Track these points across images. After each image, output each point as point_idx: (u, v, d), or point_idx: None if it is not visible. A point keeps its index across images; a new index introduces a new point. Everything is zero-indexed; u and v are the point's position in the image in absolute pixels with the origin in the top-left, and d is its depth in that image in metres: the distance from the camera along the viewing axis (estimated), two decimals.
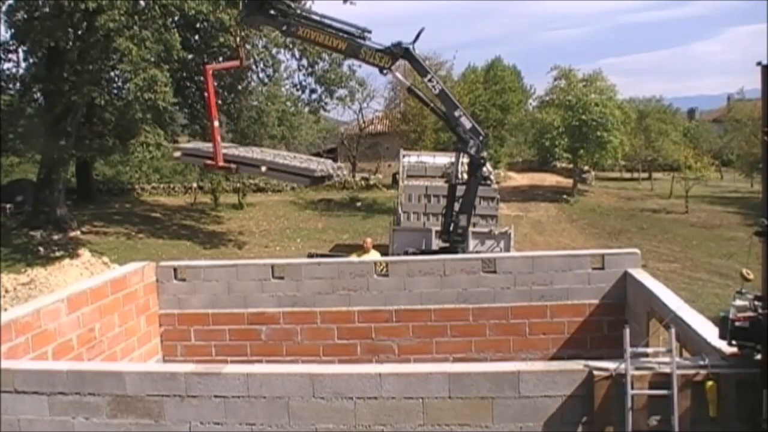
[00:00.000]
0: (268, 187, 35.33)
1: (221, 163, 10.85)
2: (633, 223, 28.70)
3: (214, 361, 8.83)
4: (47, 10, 20.26)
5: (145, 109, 19.52)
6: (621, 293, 8.48)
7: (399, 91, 38.94)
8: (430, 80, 11.18)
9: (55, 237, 21.63)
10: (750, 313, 4.71)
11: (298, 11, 11.09)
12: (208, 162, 10.98)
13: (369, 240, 13.31)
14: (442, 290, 8.85)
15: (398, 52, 10.86)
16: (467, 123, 11.36)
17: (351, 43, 10.74)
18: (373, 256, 12.43)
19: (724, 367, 4.81)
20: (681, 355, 5.61)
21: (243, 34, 12.08)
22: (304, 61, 24.21)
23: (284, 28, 10.77)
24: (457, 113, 11.28)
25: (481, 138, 11.52)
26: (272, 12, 10.84)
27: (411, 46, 10.96)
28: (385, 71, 11.12)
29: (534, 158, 45.08)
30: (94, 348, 7.72)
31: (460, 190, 12.12)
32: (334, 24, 10.84)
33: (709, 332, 5.46)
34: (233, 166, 10.89)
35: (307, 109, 26.39)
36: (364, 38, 10.82)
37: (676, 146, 39.03)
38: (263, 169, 10.81)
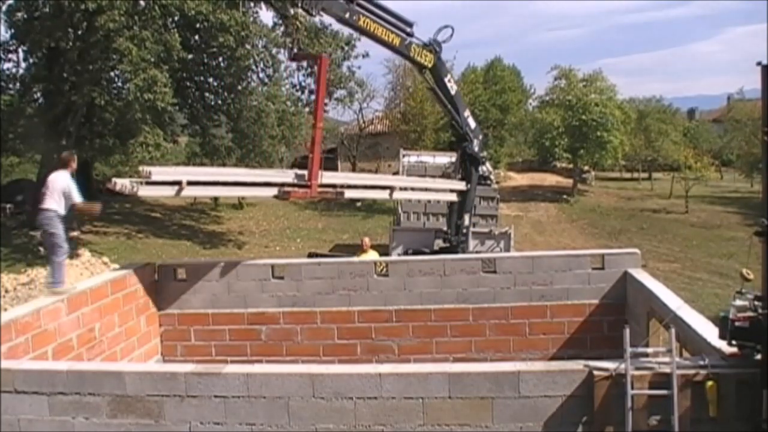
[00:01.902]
0: None
1: (318, 190, 8.51)
2: (633, 223, 28.70)
3: (214, 361, 8.83)
4: (47, 10, 20.25)
5: (145, 110, 19.50)
6: (621, 293, 8.49)
7: (399, 91, 38.95)
8: (449, 81, 11.26)
9: None
10: (750, 313, 4.72)
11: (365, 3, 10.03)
12: (287, 189, 8.44)
13: (367, 239, 13.29)
14: (442, 290, 8.86)
15: (439, 50, 10.86)
16: (473, 122, 11.64)
17: (403, 39, 10.43)
18: (372, 255, 12.43)
19: (724, 367, 4.81)
20: (681, 355, 5.61)
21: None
22: (304, 62, 24.18)
23: (347, 15, 9.76)
24: (466, 113, 11.52)
25: (481, 137, 11.79)
26: None
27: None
28: (425, 69, 11.01)
29: (534, 158, 45.08)
30: (94, 348, 7.72)
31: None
32: (387, 17, 10.25)
33: (709, 332, 5.47)
34: (336, 190, 8.89)
35: (306, 110, 26.37)
36: (411, 34, 10.57)
37: (676, 146, 39.03)
38: (397, 194, 9.87)
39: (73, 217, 23.26)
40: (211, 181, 8.26)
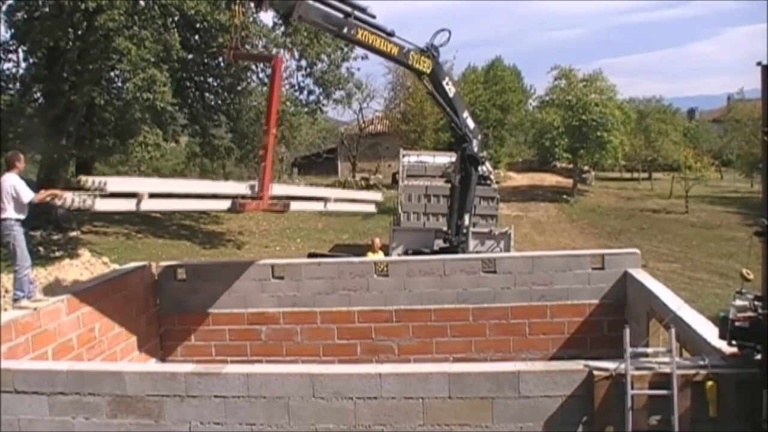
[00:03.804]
0: None
1: (268, 203, 8.24)
2: (633, 223, 28.69)
3: (214, 361, 8.83)
4: (47, 10, 20.23)
5: (145, 109, 19.50)
6: (621, 293, 8.50)
7: (399, 91, 38.97)
8: (447, 84, 11.21)
9: (55, 237, 21.61)
10: (750, 313, 4.72)
11: (356, 12, 9.69)
12: (241, 202, 8.08)
13: (378, 240, 13.53)
14: (442, 290, 8.86)
15: (437, 55, 10.78)
16: (472, 123, 11.63)
17: (402, 48, 10.29)
18: (379, 256, 12.51)
19: (724, 367, 4.81)
20: (681, 355, 5.62)
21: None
22: (303, 62, 24.19)
23: (344, 30, 9.41)
24: (464, 114, 11.50)
25: (480, 137, 11.79)
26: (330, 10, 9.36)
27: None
28: (424, 76, 10.92)
29: (534, 158, 45.10)
30: (94, 348, 7.72)
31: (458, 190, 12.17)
32: (379, 24, 9.98)
33: (709, 332, 5.47)
34: (283, 202, 8.62)
35: (306, 110, 26.37)
36: (393, 33, 10.40)
37: (676, 146, 39.02)
38: (330, 205, 9.92)
39: (71, 217, 23.31)
40: (169, 193, 7.82)
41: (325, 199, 9.94)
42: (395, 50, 10.20)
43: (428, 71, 10.74)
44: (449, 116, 11.51)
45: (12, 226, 6.93)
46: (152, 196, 7.35)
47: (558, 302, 8.66)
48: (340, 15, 9.42)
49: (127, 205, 7.16)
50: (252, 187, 8.29)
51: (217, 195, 8.34)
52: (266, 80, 25.18)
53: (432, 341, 8.84)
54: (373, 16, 9.95)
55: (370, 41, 9.85)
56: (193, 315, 9.18)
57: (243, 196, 8.19)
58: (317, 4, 9.22)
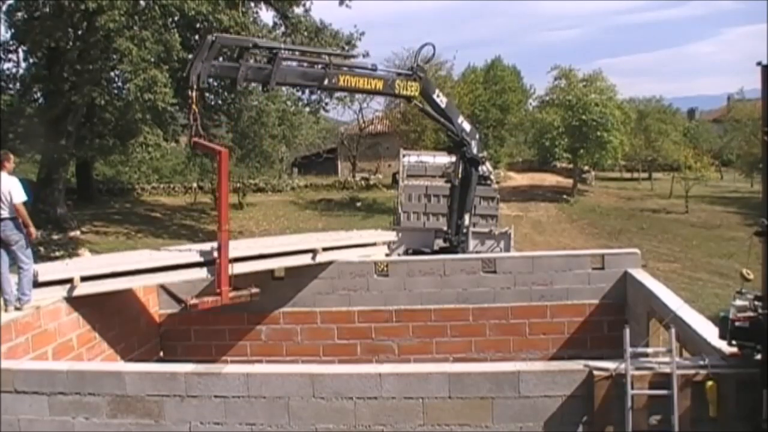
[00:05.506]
0: (267, 187, 35.36)
1: (230, 295, 7.85)
2: (633, 223, 28.68)
3: (214, 361, 8.83)
4: (47, 10, 20.27)
5: (145, 110, 19.52)
6: (621, 293, 8.50)
7: None
8: (437, 96, 11.18)
9: (55, 237, 21.62)
10: (750, 313, 4.72)
11: (334, 60, 9.73)
12: (194, 302, 7.83)
13: None
14: (442, 290, 8.87)
15: (422, 74, 10.72)
16: (468, 126, 11.63)
17: (387, 80, 10.21)
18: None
19: (724, 367, 4.81)
20: (681, 355, 5.62)
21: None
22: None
23: (325, 82, 9.44)
24: (459, 120, 11.50)
25: (477, 137, 11.80)
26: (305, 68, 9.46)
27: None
28: (414, 101, 10.84)
29: (534, 158, 45.10)
30: (94, 348, 7.72)
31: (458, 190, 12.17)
32: (358, 63, 10.01)
33: (709, 332, 5.48)
34: (250, 292, 8.14)
35: (307, 110, 26.38)
36: (376, 68, 10.38)
37: (676, 146, 39.02)
38: (320, 257, 8.82)
39: (71, 217, 23.29)
40: (109, 273, 7.47)
41: (313, 252, 8.84)
42: (380, 84, 10.16)
43: (417, 94, 10.64)
44: (445, 126, 11.49)
45: (11, 226, 6.80)
46: (87, 279, 7.18)
47: (558, 302, 8.67)
48: (318, 68, 9.53)
49: (60, 291, 7.13)
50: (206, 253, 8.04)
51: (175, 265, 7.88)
52: None
53: (432, 341, 8.84)
54: (352, 55, 9.95)
55: (353, 83, 9.90)
56: (193, 315, 9.16)
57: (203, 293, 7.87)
58: (293, 65, 9.41)
